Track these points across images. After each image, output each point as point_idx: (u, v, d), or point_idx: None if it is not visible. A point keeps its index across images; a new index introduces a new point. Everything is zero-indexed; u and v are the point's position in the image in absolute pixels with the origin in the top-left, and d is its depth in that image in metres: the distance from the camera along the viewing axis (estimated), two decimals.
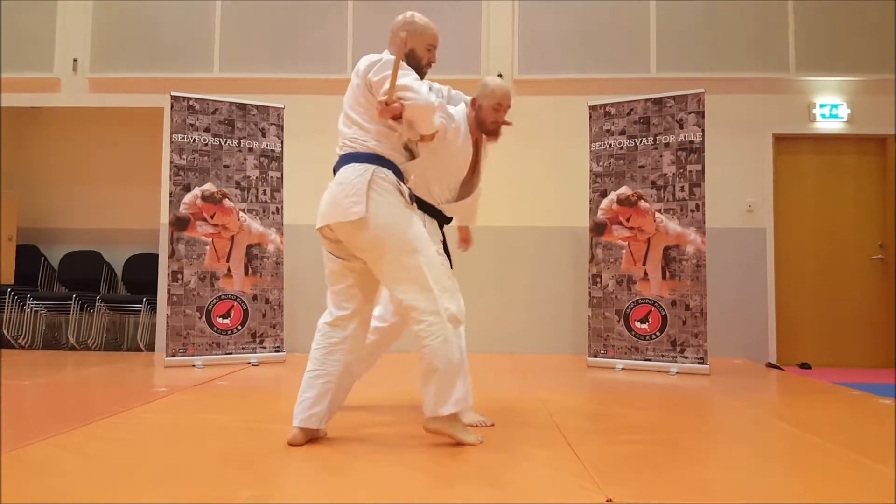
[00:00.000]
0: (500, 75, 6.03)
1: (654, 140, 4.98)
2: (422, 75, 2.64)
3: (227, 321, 5.08)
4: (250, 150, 5.26)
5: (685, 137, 4.88)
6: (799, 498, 1.99)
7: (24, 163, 7.01)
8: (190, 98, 5.11)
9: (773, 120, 5.96)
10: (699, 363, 4.73)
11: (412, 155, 2.66)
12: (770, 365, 5.60)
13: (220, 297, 5.08)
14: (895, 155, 5.90)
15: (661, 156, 4.96)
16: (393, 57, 2.44)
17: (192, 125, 5.08)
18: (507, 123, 2.96)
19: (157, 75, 6.13)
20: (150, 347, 6.04)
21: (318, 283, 6.03)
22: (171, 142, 5.07)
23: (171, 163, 5.03)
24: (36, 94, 6.27)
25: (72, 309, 6.04)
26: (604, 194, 5.14)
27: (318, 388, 2.49)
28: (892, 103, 5.83)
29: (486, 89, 2.89)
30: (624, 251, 5.03)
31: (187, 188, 5.03)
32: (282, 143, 5.39)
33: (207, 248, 5.07)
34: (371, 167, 2.46)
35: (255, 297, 5.19)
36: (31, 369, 4.76)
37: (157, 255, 6.02)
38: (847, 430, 2.94)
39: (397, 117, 2.44)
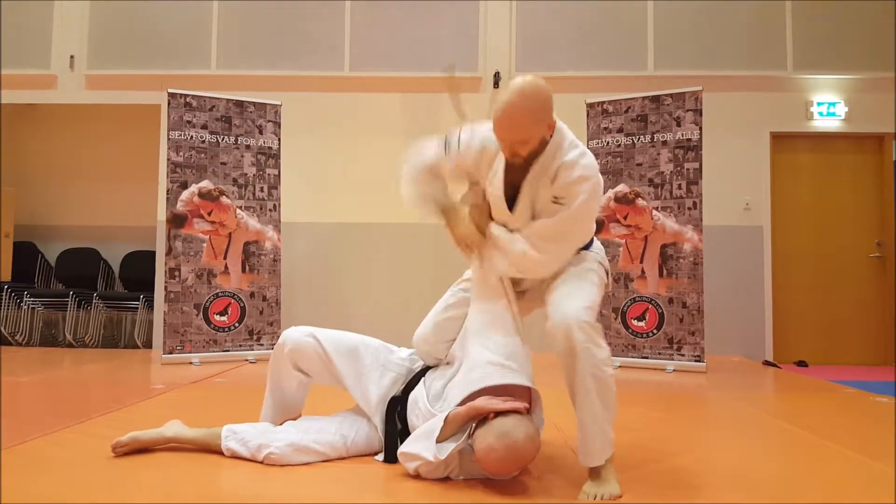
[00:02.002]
0: (497, 74, 6.05)
1: (652, 138, 4.98)
2: None
3: (224, 318, 5.08)
4: (247, 147, 5.25)
5: (682, 135, 4.89)
6: (797, 496, 2.00)
7: (21, 159, 6.99)
8: (187, 95, 5.10)
9: (771, 118, 5.96)
10: (696, 361, 4.74)
11: None
12: (767, 363, 5.61)
13: (217, 294, 5.07)
14: (893, 153, 5.91)
15: (658, 154, 4.96)
16: None
17: (189, 122, 5.07)
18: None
19: (155, 72, 6.11)
20: (148, 344, 6.04)
21: (315, 280, 6.07)
22: (169, 139, 5.06)
23: (168, 160, 5.02)
24: (33, 91, 6.25)
25: (69, 306, 6.03)
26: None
27: None
28: (891, 101, 5.83)
29: None
30: (621, 249, 5.03)
31: (184, 185, 5.03)
32: (279, 140, 5.38)
33: (205, 245, 5.06)
34: None
35: (252, 295, 5.19)
36: (29, 366, 4.76)
37: (155, 252, 6.01)
38: (844, 428, 2.94)
39: None
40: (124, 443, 2.26)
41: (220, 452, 2.24)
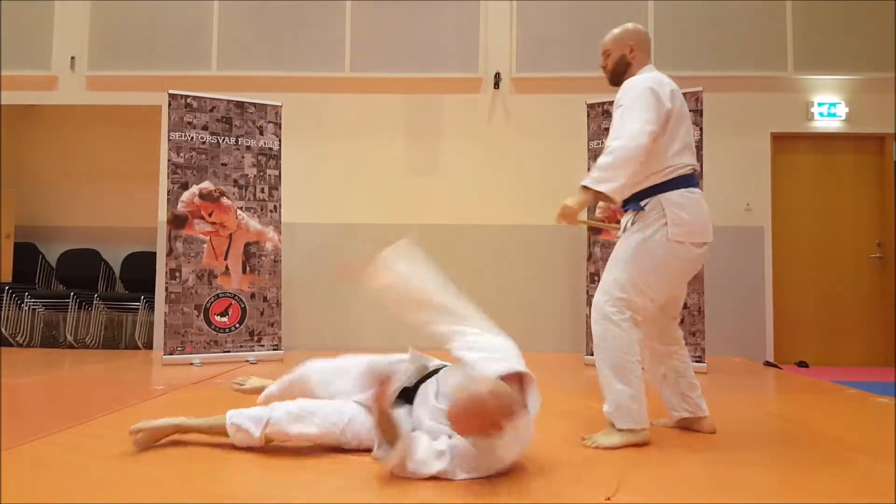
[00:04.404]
0: (497, 75, 6.05)
1: None
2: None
3: (224, 319, 5.08)
4: (248, 148, 5.25)
5: None
6: (797, 496, 1.99)
7: (22, 161, 7.00)
8: (188, 96, 5.10)
9: (772, 118, 5.96)
10: (697, 361, 4.73)
11: None
12: (768, 363, 5.61)
13: (217, 295, 5.08)
14: (894, 154, 5.91)
15: None
16: None
17: (189, 123, 5.08)
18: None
19: (155, 73, 6.12)
20: (148, 345, 6.04)
21: (316, 281, 6.06)
22: (169, 140, 5.06)
23: (169, 161, 5.03)
24: (33, 92, 6.26)
25: (70, 307, 6.04)
26: None
27: None
28: (891, 102, 5.83)
29: None
30: None
31: (185, 186, 5.03)
32: (279, 141, 5.38)
33: (205, 246, 5.06)
34: None
35: (252, 296, 5.19)
36: (29, 367, 4.76)
37: (155, 253, 6.02)
38: (844, 429, 2.94)
39: None
40: (138, 429, 2.31)
41: (226, 434, 2.28)
